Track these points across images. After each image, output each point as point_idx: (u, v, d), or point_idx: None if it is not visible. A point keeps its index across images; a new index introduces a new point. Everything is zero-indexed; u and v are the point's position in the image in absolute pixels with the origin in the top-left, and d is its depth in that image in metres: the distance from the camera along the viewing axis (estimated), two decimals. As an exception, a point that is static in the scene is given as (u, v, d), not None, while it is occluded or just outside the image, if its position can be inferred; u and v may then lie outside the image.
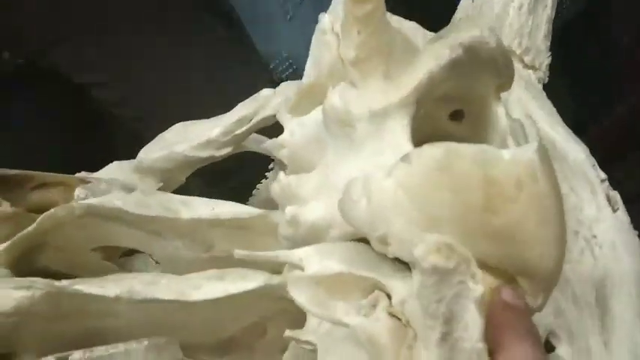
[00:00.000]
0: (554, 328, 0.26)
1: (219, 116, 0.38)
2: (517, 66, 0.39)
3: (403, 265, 0.23)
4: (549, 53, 0.41)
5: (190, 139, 0.37)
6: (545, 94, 0.39)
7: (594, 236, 0.31)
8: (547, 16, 0.38)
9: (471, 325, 0.19)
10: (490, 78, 0.24)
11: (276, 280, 0.29)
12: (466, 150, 0.21)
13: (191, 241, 0.31)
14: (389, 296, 0.24)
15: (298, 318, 0.29)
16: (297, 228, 0.26)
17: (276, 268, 0.29)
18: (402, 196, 0.22)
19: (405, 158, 0.22)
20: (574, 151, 0.36)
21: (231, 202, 0.31)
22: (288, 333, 0.28)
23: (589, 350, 0.27)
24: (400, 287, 0.23)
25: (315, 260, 0.24)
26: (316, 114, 0.28)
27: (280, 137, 0.28)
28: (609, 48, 0.68)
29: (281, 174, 0.27)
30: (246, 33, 0.59)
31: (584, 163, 0.34)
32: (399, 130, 0.23)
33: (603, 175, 0.34)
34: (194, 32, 0.57)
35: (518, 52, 0.39)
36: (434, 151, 0.21)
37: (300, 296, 0.23)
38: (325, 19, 0.30)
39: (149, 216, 0.29)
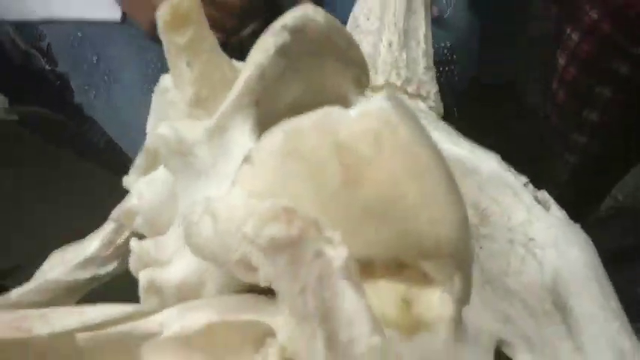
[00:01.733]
0: (504, 336, 0.21)
1: (95, 231, 0.34)
2: (402, 97, 0.37)
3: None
4: (435, 82, 0.39)
5: (66, 261, 0.33)
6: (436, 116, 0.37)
7: (532, 239, 0.27)
8: (422, 50, 0.37)
9: (354, 313, 0.14)
10: (338, 67, 0.21)
11: None
12: (306, 122, 0.17)
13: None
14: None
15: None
16: (161, 294, 0.21)
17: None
18: (256, 202, 0.18)
19: (245, 160, 0.18)
20: (484, 161, 0.33)
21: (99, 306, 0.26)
22: None
23: (557, 357, 0.22)
24: (283, 322, 0.18)
25: (175, 318, 0.18)
26: (161, 168, 0.24)
27: (127, 204, 0.23)
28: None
29: (133, 242, 0.22)
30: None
31: (498, 170, 0.31)
32: (243, 138, 0.20)
33: (524, 179, 0.31)
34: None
35: (398, 83, 0.37)
36: (272, 139, 0.18)
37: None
38: (165, 78, 0.27)
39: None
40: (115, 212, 0.23)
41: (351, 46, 0.20)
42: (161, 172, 0.23)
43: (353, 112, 0.16)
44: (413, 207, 0.15)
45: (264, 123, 0.20)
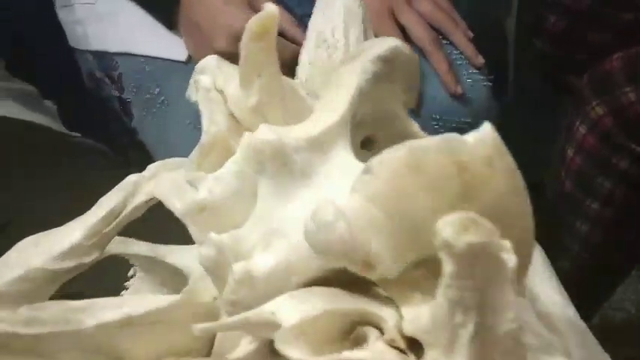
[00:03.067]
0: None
1: (78, 218, 0.33)
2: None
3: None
4: None
5: (48, 249, 0.31)
6: None
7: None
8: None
9: (504, 306, 0.18)
10: (401, 91, 0.25)
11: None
12: (430, 144, 0.20)
13: (94, 354, 0.25)
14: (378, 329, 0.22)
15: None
16: (253, 286, 0.22)
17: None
18: (375, 211, 0.21)
19: (366, 170, 0.21)
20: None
21: (142, 295, 0.26)
22: None
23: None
24: (391, 313, 0.22)
25: (291, 307, 0.21)
26: (230, 166, 0.25)
27: (197, 198, 0.25)
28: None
29: (211, 234, 0.23)
30: None
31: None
32: (342, 151, 0.22)
33: None
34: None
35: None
36: (396, 154, 0.21)
37: (297, 352, 0.19)
38: (204, 79, 0.28)
39: (45, 334, 0.23)
40: (182, 206, 0.24)
41: (417, 75, 0.24)
42: (229, 170, 0.25)
43: (469, 138, 0.20)
44: (514, 217, 0.20)
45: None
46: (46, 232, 0.32)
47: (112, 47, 0.70)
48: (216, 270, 0.22)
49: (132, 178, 0.32)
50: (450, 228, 0.15)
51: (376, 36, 0.59)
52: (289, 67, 0.27)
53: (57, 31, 0.72)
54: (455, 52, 0.68)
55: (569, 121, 0.67)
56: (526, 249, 0.19)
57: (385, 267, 0.19)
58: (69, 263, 0.31)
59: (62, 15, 0.72)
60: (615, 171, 0.63)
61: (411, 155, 0.19)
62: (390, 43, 0.22)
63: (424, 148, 0.19)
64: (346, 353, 0.18)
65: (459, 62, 0.68)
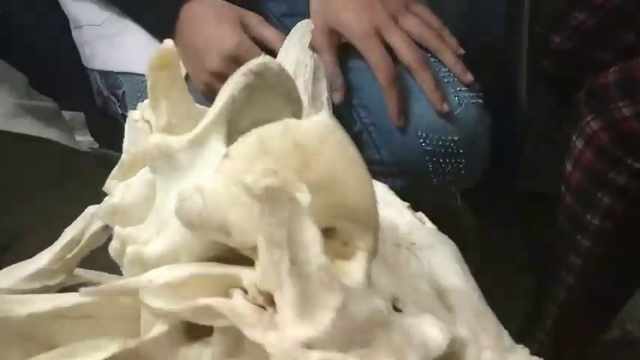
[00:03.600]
0: (397, 294, 0.29)
1: (49, 247, 0.38)
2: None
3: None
4: None
5: (17, 274, 0.36)
6: None
7: (413, 244, 0.36)
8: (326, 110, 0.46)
9: (311, 240, 0.21)
10: (283, 102, 0.30)
11: (132, 342, 0.28)
12: (273, 128, 0.25)
13: (29, 342, 0.29)
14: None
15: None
16: (144, 265, 0.27)
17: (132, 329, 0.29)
18: (232, 187, 0.25)
19: (225, 156, 0.26)
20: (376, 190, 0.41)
21: (72, 293, 0.31)
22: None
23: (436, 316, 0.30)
24: (249, 273, 0.25)
25: (164, 272, 0.25)
26: (141, 175, 0.30)
27: (109, 203, 0.29)
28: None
29: (117, 228, 0.28)
30: None
31: (386, 196, 0.40)
32: (216, 147, 0.27)
33: (407, 203, 0.40)
34: None
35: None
36: (248, 140, 0.25)
37: (155, 302, 0.23)
38: (134, 113, 0.34)
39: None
40: (100, 208, 0.29)
41: (294, 88, 0.29)
42: (137, 179, 0.29)
43: (305, 121, 0.24)
44: (346, 181, 0.23)
45: (230, 138, 0.28)
46: (19, 262, 0.37)
47: (116, 67, 0.75)
48: (121, 260, 0.26)
49: (90, 209, 0.37)
50: (252, 175, 0.19)
51: (365, 56, 0.63)
52: None
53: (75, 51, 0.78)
54: (443, 69, 0.69)
55: (567, 135, 0.68)
56: (368, 212, 0.23)
57: (239, 235, 0.23)
58: (35, 284, 0.35)
59: (75, 35, 0.79)
60: (613, 186, 0.62)
61: (258, 140, 0.23)
62: (260, 59, 0.27)
63: (268, 133, 0.23)
64: (200, 300, 0.21)
65: (446, 80, 0.69)
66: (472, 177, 0.68)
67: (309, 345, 0.21)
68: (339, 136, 0.24)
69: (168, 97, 0.29)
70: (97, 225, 0.37)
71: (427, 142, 0.66)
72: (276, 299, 0.22)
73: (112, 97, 0.76)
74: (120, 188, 0.28)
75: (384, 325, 0.23)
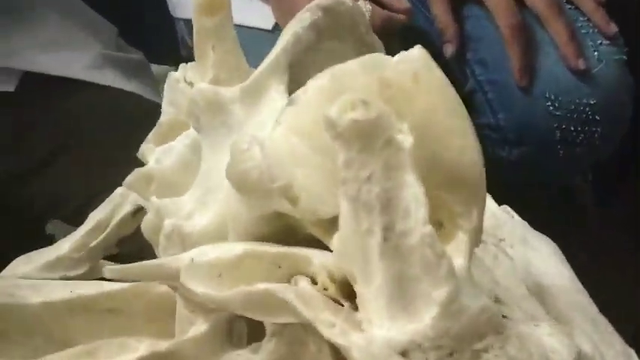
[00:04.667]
0: (498, 294, 0.23)
1: (73, 232, 0.34)
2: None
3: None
4: None
5: (36, 261, 0.32)
6: None
7: (501, 240, 0.30)
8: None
9: (412, 203, 0.15)
10: (356, 47, 0.24)
11: (164, 344, 0.23)
12: (352, 65, 0.20)
13: (46, 340, 0.24)
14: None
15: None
16: (182, 243, 0.21)
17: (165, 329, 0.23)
18: (298, 143, 0.20)
19: (290, 102, 0.21)
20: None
21: (96, 282, 0.25)
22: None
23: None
24: (319, 255, 0.19)
25: (211, 250, 0.19)
26: (181, 138, 0.25)
27: (144, 168, 0.24)
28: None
29: (152, 198, 0.23)
30: None
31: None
32: (276, 95, 0.22)
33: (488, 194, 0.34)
34: None
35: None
36: (318, 81, 0.20)
37: (199, 286, 0.18)
38: (175, 73, 0.29)
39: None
40: (129, 178, 0.23)
41: (369, 31, 0.23)
42: (179, 142, 0.24)
43: (394, 57, 0.18)
44: (446, 135, 0.18)
45: (291, 91, 0.22)
46: (40, 249, 0.32)
47: None
48: (157, 238, 0.21)
49: (119, 190, 0.32)
50: (336, 107, 0.13)
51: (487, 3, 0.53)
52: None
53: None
54: (581, 18, 0.59)
55: None
56: (475, 180, 0.17)
57: (309, 202, 0.17)
58: (52, 274, 0.31)
59: None
60: None
61: (333, 80, 0.18)
62: None
63: (347, 71, 0.18)
64: (258, 285, 0.16)
65: (584, 31, 0.58)
66: (607, 150, 0.58)
67: (405, 351, 0.15)
68: (438, 74, 0.18)
69: (216, 47, 0.24)
70: (126, 209, 0.32)
71: (556, 105, 0.56)
72: (359, 288, 0.17)
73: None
74: (156, 153, 0.23)
75: (498, 331, 0.17)
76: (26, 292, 0.25)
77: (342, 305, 0.20)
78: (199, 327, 0.24)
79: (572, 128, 0.55)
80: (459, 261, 0.20)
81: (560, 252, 0.30)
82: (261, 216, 0.22)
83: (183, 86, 0.30)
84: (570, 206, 0.59)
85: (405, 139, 0.16)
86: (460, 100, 0.20)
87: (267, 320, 0.19)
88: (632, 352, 0.25)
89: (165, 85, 0.30)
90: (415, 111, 0.20)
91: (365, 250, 0.17)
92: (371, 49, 0.26)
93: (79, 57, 0.68)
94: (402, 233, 0.16)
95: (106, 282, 0.28)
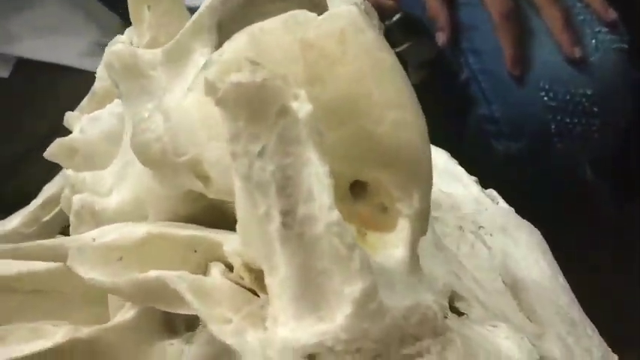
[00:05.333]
0: (458, 290, 0.20)
1: (22, 210, 0.32)
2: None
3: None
4: None
5: (-22, 237, 0.30)
6: None
7: (481, 227, 0.28)
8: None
9: (315, 184, 0.13)
10: (302, 6, 0.21)
11: (85, 330, 0.21)
12: (272, 23, 0.17)
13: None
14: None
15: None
16: (94, 221, 0.19)
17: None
18: (212, 112, 0.17)
19: (205, 66, 0.18)
20: (437, 156, 0.33)
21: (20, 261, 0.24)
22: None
23: (511, 323, 0.22)
24: (232, 239, 0.17)
25: (112, 230, 0.17)
26: (110, 107, 0.23)
27: (67, 138, 0.22)
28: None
29: (69, 171, 0.21)
30: None
31: (448, 164, 0.31)
32: (201, 62, 0.19)
33: (474, 177, 0.31)
34: None
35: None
36: (235, 42, 0.17)
37: (90, 271, 0.16)
38: (122, 36, 0.26)
39: None
40: (51, 149, 0.21)
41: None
42: (106, 111, 0.22)
43: (323, 15, 0.16)
44: (377, 107, 0.16)
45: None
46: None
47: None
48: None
49: (73, 162, 0.30)
50: (217, 68, 0.11)
51: None
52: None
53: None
54: (578, 3, 0.56)
55: None
56: (416, 156, 0.14)
57: (223, 181, 0.15)
58: (2, 250, 0.28)
59: None
60: None
61: (251, 41, 0.16)
62: None
63: (267, 30, 0.16)
64: (150, 272, 0.13)
65: (581, 17, 0.56)
66: (606, 144, 0.55)
67: (311, 355, 0.13)
68: (370, 35, 0.15)
69: (153, 6, 0.22)
70: (81, 180, 0.30)
71: (551, 95, 0.53)
72: (267, 280, 0.14)
73: None
74: (81, 122, 0.21)
75: (437, 333, 0.15)
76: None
77: (259, 297, 0.18)
78: (126, 313, 0.22)
79: (569, 120, 0.53)
80: (398, 251, 0.18)
81: (544, 243, 0.27)
82: (180, 193, 0.20)
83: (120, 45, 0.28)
84: (582, 204, 0.56)
85: (302, 106, 0.13)
86: (397, 67, 0.17)
87: (166, 309, 0.17)
88: (615, 358, 0.23)
89: (105, 51, 0.28)
90: (340, 78, 0.17)
91: (265, 237, 0.14)
92: (321, 11, 0.23)
93: (74, 44, 0.66)
94: (304, 219, 0.14)
95: (34, 263, 0.27)
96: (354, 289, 0.14)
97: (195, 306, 0.15)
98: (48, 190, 0.33)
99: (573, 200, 0.53)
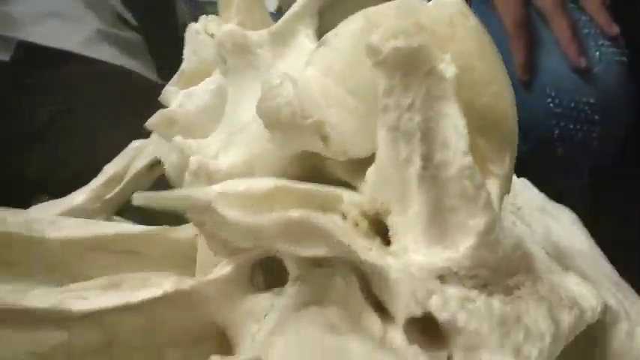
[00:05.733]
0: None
1: (88, 184, 0.33)
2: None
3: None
4: None
5: (50, 210, 0.31)
6: None
7: (519, 208, 0.30)
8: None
9: (452, 134, 0.16)
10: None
11: (188, 282, 0.23)
12: (386, 8, 0.20)
13: (65, 275, 0.24)
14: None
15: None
16: (209, 180, 0.21)
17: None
18: (331, 84, 0.20)
19: (322, 43, 0.21)
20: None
21: (115, 223, 0.26)
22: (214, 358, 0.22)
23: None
24: (350, 193, 0.20)
25: (240, 183, 0.19)
26: (204, 84, 0.25)
27: (167, 110, 0.24)
28: None
29: (176, 138, 0.23)
30: None
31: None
32: (305, 42, 0.22)
33: None
34: None
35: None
36: (352, 23, 0.20)
37: (232, 211, 0.18)
38: (195, 25, 0.29)
39: (9, 234, 0.22)
40: (153, 119, 0.24)
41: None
42: (201, 86, 0.24)
43: (429, 3, 0.19)
44: (481, 80, 0.18)
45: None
46: (54, 200, 0.32)
47: None
48: (180, 178, 0.21)
49: (134, 143, 0.32)
50: (378, 35, 0.14)
51: None
52: None
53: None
54: (583, 17, 0.59)
55: None
56: (509, 125, 0.17)
57: (340, 142, 0.18)
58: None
59: None
60: None
61: (367, 23, 0.18)
62: None
63: (381, 13, 0.18)
64: (293, 211, 0.16)
65: (586, 30, 0.58)
66: (605, 151, 0.58)
67: (441, 277, 0.15)
68: (474, 21, 0.18)
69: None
70: (143, 162, 0.32)
71: (556, 102, 0.56)
72: (394, 217, 0.17)
73: None
74: (180, 96, 0.23)
75: (530, 270, 0.17)
76: (45, 227, 0.25)
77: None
78: (223, 268, 0.25)
79: (572, 126, 0.56)
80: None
81: (580, 222, 0.30)
82: (290, 156, 0.23)
83: (204, 37, 0.30)
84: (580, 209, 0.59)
85: (448, 68, 0.16)
86: (495, 49, 0.21)
87: (296, 252, 0.19)
88: None
89: (186, 36, 0.30)
90: (453, 53, 0.20)
91: (403, 178, 0.17)
92: None
93: (77, 30, 0.67)
94: (440, 163, 0.17)
95: (126, 225, 0.29)
96: (478, 222, 0.17)
97: (342, 238, 0.17)
98: (109, 170, 0.35)
99: (572, 204, 0.57)
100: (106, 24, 0.71)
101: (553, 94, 0.56)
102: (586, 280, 0.21)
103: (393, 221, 0.18)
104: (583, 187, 0.59)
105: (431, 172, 0.17)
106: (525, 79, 0.56)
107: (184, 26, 0.80)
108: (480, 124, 0.20)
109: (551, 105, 0.56)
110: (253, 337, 0.24)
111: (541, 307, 0.18)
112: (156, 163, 0.34)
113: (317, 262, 0.23)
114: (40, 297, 0.20)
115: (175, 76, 0.28)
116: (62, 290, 0.22)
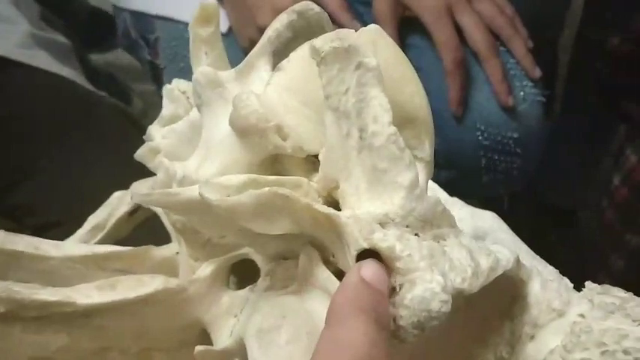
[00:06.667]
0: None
1: (72, 236, 0.37)
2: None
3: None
4: None
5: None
6: None
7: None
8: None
9: (379, 110, 0.21)
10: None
11: (174, 281, 0.27)
12: (325, 37, 0.26)
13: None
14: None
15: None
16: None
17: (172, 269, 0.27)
18: (287, 97, 0.25)
19: (277, 68, 0.26)
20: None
21: (109, 245, 0.29)
22: (199, 348, 0.26)
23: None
24: (307, 181, 0.24)
25: (219, 178, 0.24)
26: (182, 122, 0.30)
27: (153, 142, 0.29)
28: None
29: (163, 159, 0.28)
30: None
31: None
32: (264, 74, 0.28)
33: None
34: None
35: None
36: (300, 51, 0.26)
37: (216, 195, 0.23)
38: (170, 85, 0.34)
39: (15, 250, 0.26)
40: (140, 151, 0.28)
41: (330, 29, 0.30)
42: (180, 123, 0.29)
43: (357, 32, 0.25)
44: (399, 81, 0.24)
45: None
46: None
47: (154, 9, 0.73)
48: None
49: (116, 194, 0.37)
50: (320, 40, 0.19)
51: (432, 33, 0.59)
52: None
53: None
54: (511, 60, 0.67)
55: (618, 148, 0.66)
56: (425, 117, 0.23)
57: (297, 140, 0.23)
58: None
59: None
60: None
61: (311, 48, 0.24)
62: (302, 2, 0.28)
63: (321, 40, 0.24)
64: (270, 188, 0.20)
65: (512, 72, 0.67)
66: (522, 180, 0.66)
67: (382, 223, 0.20)
68: (390, 40, 0.25)
69: (208, 53, 0.30)
70: (123, 210, 0.36)
71: (485, 135, 0.64)
72: (342, 186, 0.22)
73: (141, 41, 0.75)
74: (162, 132, 0.28)
75: (453, 226, 0.22)
76: (49, 248, 0.29)
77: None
78: (204, 270, 0.29)
79: (497, 157, 0.64)
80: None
81: (505, 224, 0.35)
82: (258, 163, 0.28)
83: (177, 93, 0.36)
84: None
85: (371, 61, 0.22)
86: (407, 60, 0.27)
87: (268, 229, 0.24)
88: (567, 281, 0.31)
89: (163, 93, 0.36)
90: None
91: (345, 150, 0.22)
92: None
93: (9, 33, 0.65)
94: (373, 134, 0.22)
95: (117, 247, 0.32)
96: (405, 178, 0.21)
97: (302, 201, 0.22)
98: (92, 221, 0.39)
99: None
100: (34, 26, 0.70)
101: (482, 128, 0.64)
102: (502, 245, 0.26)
103: (340, 192, 0.23)
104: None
105: (366, 141, 0.22)
106: (458, 113, 0.64)
107: (126, 35, 0.82)
108: (401, 118, 0.26)
109: (480, 138, 0.64)
110: (231, 329, 0.28)
111: (463, 251, 0.22)
112: (135, 210, 0.38)
113: (283, 256, 0.27)
114: (50, 291, 0.24)
115: (156, 120, 0.33)
116: (70, 289, 0.25)
